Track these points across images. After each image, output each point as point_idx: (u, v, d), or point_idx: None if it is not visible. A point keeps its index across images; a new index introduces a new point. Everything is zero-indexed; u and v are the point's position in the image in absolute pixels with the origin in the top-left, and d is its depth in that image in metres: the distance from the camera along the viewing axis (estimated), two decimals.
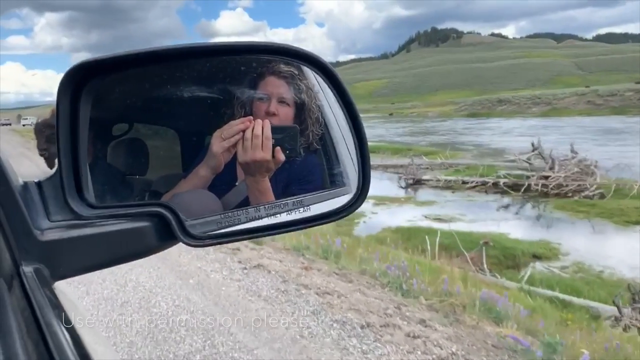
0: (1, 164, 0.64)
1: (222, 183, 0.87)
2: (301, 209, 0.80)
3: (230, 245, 6.19)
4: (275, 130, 0.80)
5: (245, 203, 0.86)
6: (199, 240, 0.75)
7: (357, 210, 0.87)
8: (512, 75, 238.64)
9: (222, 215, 0.77)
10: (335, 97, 0.84)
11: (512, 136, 45.60)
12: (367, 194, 0.83)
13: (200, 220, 0.77)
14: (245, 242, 6.25)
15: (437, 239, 10.53)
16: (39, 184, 0.72)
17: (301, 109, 0.90)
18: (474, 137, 50.01)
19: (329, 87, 0.83)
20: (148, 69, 0.80)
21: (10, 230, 0.64)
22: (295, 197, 0.85)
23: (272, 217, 0.78)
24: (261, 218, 0.78)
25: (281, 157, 0.79)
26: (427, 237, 10.80)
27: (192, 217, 0.76)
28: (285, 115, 0.88)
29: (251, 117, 0.81)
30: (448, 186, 22.42)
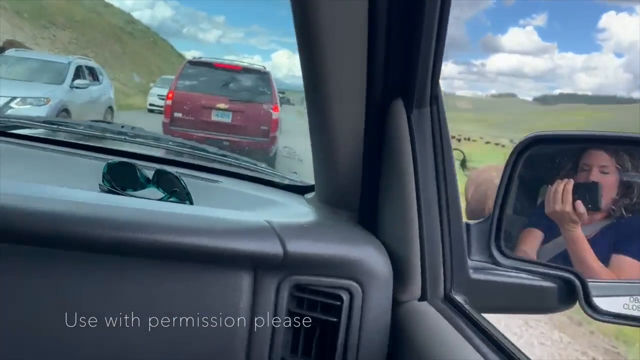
0: (457, 204, 0.85)
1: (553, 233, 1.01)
2: None
3: None
4: (577, 186, 0.96)
5: (563, 254, 0.99)
6: (600, 315, 0.85)
7: None
8: None
9: (631, 298, 0.85)
10: None
11: None
12: None
13: (604, 292, 0.86)
14: None
15: None
16: (467, 226, 0.92)
17: (624, 175, 1.00)
18: None
19: None
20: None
21: (450, 263, 0.85)
22: None
23: None
24: None
25: (580, 209, 0.95)
26: None
27: None
28: (609, 183, 1.00)
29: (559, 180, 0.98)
30: None
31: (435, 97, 0.82)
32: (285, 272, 0.79)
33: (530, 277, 0.89)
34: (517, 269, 0.90)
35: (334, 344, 0.80)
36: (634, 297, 0.86)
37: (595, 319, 0.85)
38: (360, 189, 0.97)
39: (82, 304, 0.73)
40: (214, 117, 7.31)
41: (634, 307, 0.85)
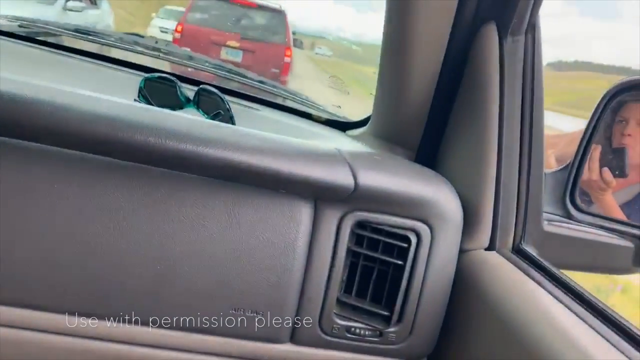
0: (541, 149, 0.79)
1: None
2: None
3: None
4: (605, 153, 0.94)
5: None
6: None
7: None
8: None
9: None
10: None
11: None
12: None
13: None
14: None
15: None
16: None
17: None
18: None
19: None
20: None
21: (524, 213, 0.79)
22: None
23: None
24: None
25: (607, 176, 0.93)
26: None
27: None
28: None
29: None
30: None
31: (533, 25, 0.74)
32: (350, 206, 0.73)
33: (605, 234, 0.84)
34: (592, 224, 0.85)
35: (394, 288, 0.75)
36: None
37: None
38: (424, 125, 0.90)
39: (128, 218, 0.67)
40: (224, 54, 7.11)
41: None
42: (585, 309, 0.63)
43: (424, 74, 0.83)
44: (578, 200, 0.86)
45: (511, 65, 0.75)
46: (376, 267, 0.76)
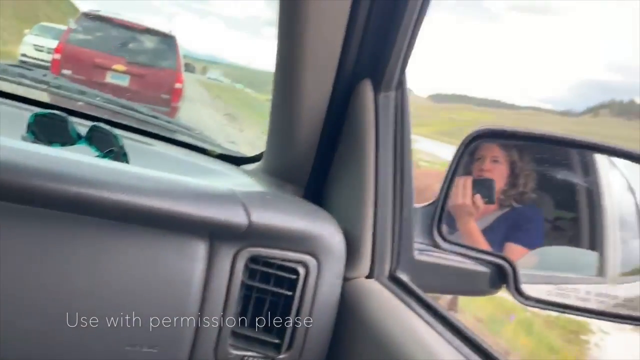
0: (411, 188, 0.91)
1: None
2: None
3: None
4: (475, 182, 1.10)
5: None
6: (526, 300, 0.95)
7: None
8: None
9: (555, 286, 0.97)
10: None
11: None
12: None
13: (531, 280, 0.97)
14: None
15: None
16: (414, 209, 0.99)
17: (513, 167, 1.17)
18: None
19: None
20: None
21: (398, 244, 0.91)
22: None
23: (601, 303, 0.95)
24: (590, 300, 0.96)
25: (478, 202, 1.09)
26: None
27: None
28: (499, 172, 1.16)
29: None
30: None
31: (401, 82, 0.87)
32: (244, 242, 0.79)
33: (467, 261, 0.97)
34: (455, 253, 0.98)
35: (284, 317, 0.83)
36: (557, 285, 0.98)
37: (522, 303, 0.95)
38: (312, 165, 0.99)
39: (22, 260, 0.69)
40: (109, 78, 6.87)
41: (556, 294, 0.97)
42: (446, 328, 0.75)
43: (310, 120, 0.92)
44: (444, 232, 0.99)
45: (384, 117, 0.86)
46: (268, 298, 0.83)
